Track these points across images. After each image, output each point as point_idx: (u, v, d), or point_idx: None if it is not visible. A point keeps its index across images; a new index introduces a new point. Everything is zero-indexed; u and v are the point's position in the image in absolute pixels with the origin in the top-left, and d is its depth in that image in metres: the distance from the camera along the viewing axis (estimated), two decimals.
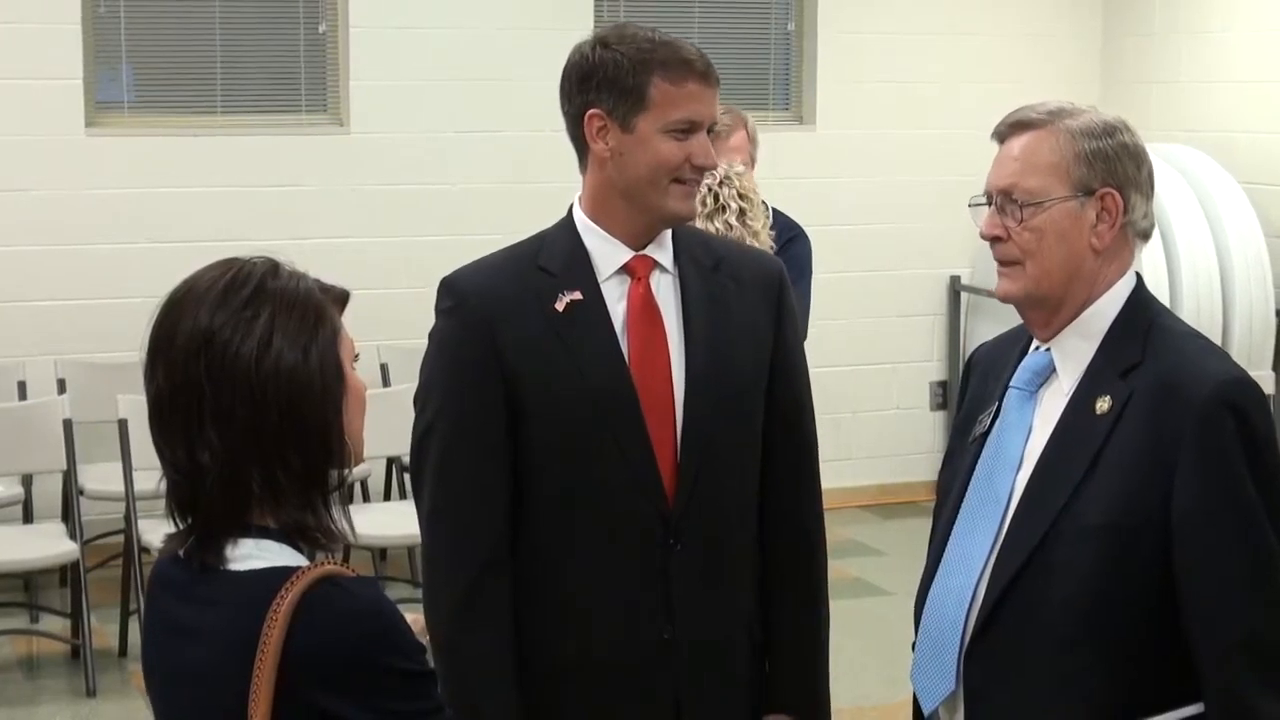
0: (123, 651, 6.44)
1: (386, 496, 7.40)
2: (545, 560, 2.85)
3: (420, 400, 2.88)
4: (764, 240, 4.66)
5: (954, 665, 2.53)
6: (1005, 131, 2.57)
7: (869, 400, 8.74)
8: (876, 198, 8.62)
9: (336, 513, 2.08)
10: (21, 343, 7.27)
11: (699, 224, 4.38)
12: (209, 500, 2.01)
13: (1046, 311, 2.55)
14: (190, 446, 2.00)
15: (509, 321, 2.81)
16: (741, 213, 4.62)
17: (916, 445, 8.82)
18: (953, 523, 2.61)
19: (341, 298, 2.11)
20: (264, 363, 1.98)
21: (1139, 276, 2.58)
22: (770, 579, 2.98)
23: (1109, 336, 2.51)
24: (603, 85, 2.78)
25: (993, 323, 8.36)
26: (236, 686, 1.94)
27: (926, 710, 2.60)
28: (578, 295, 2.82)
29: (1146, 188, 2.54)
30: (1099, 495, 2.42)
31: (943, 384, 8.89)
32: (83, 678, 6.13)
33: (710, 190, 4.61)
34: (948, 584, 2.57)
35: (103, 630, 6.54)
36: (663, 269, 2.88)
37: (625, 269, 2.86)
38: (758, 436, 2.93)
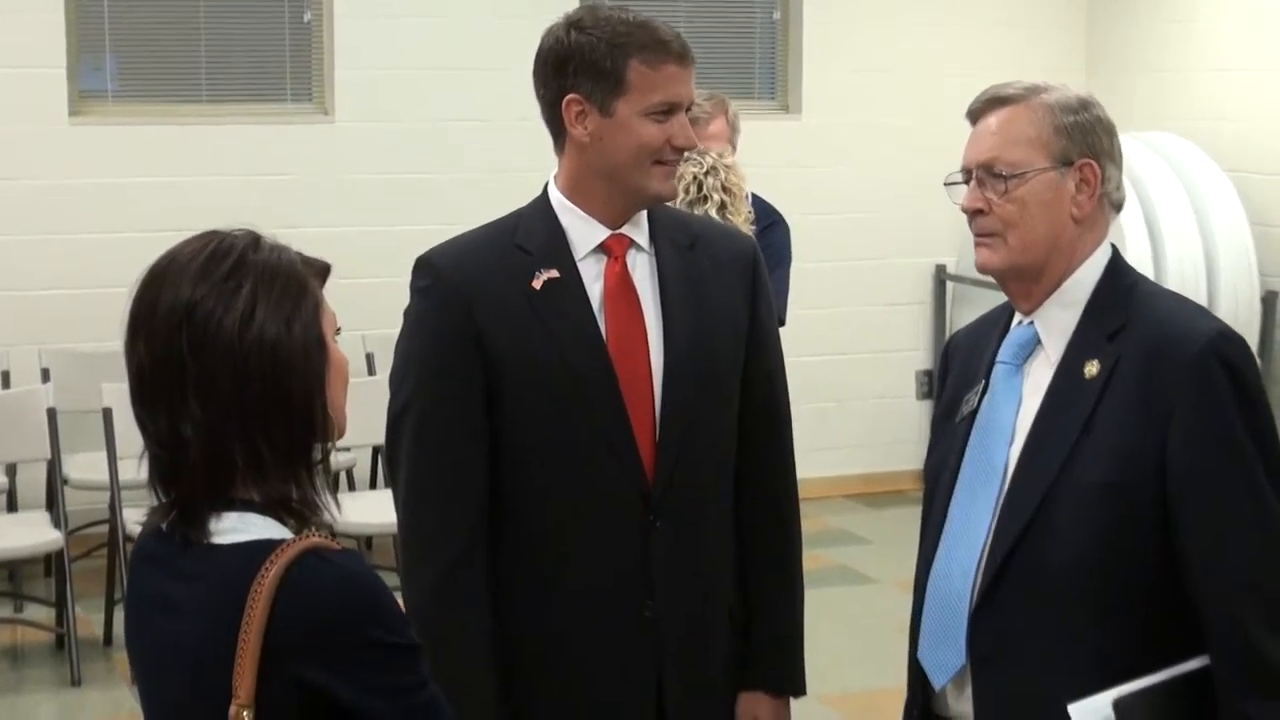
0: (107, 640, 6.44)
1: (372, 485, 7.39)
2: (525, 538, 2.84)
3: (396, 379, 2.87)
4: None
5: (964, 638, 2.54)
6: (980, 109, 2.61)
7: (854, 389, 8.75)
8: (862, 186, 8.62)
9: (320, 486, 2.07)
10: (5, 332, 7.26)
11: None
12: (192, 473, 2.00)
13: (1027, 283, 2.58)
14: (172, 420, 1.99)
15: (485, 299, 2.80)
16: (723, 205, 4.62)
17: (902, 434, 8.82)
18: (949, 500, 2.63)
19: (323, 270, 2.10)
20: (247, 335, 1.98)
21: (1114, 246, 2.63)
22: (746, 556, 2.98)
23: (1091, 303, 2.56)
24: (579, 70, 2.77)
25: (978, 311, 8.34)
26: (221, 660, 1.94)
27: (938, 685, 2.60)
28: (555, 273, 2.82)
29: (1118, 159, 2.60)
30: (1095, 457, 2.45)
31: (928, 373, 8.88)
32: (67, 667, 6.12)
33: (695, 179, 4.60)
34: (951, 558, 2.58)
35: (87, 619, 6.53)
36: (639, 248, 2.87)
37: (602, 248, 2.85)
38: (735, 414, 2.93)
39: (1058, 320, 2.57)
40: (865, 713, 5.72)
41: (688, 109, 2.83)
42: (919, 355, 8.91)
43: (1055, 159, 2.53)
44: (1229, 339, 2.47)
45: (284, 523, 2.03)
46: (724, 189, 4.64)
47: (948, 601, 2.57)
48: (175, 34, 7.64)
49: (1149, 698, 2.38)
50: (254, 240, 2.06)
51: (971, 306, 8.39)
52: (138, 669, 2.12)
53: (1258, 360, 7.56)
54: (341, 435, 2.10)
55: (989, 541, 2.53)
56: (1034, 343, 2.60)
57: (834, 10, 8.54)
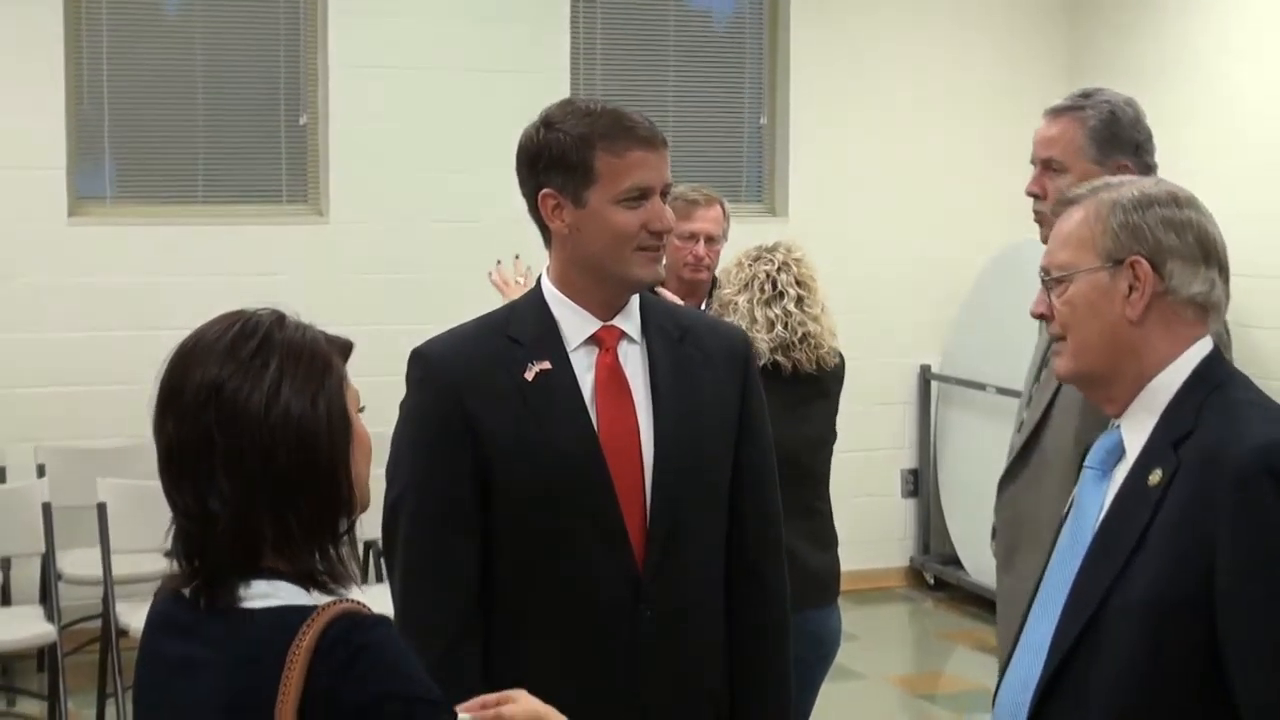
0: None
1: (364, 579, 7.41)
2: (517, 624, 2.87)
3: (390, 471, 2.90)
4: (826, 325, 4.62)
5: None
6: (1058, 210, 2.54)
7: (840, 487, 8.68)
8: (847, 287, 8.67)
9: (345, 557, 2.11)
10: (2, 428, 7.30)
11: (757, 311, 4.41)
12: (219, 545, 2.04)
13: (1100, 388, 2.48)
14: (200, 494, 2.04)
15: (478, 390, 2.84)
16: (800, 300, 4.58)
17: (888, 532, 8.85)
18: (1030, 606, 2.54)
19: (345, 348, 2.18)
20: (273, 411, 2.03)
21: (1216, 347, 2.46)
22: (735, 647, 2.98)
23: (1168, 408, 2.41)
24: (550, 165, 2.84)
25: (964, 412, 8.43)
26: None
27: None
28: (546, 365, 2.85)
29: (1195, 256, 2.42)
30: (1144, 571, 2.30)
31: (914, 472, 8.94)
32: None
33: (769, 276, 4.55)
34: (1017, 669, 2.50)
35: (79, 715, 6.53)
36: (630, 339, 2.92)
37: (593, 339, 2.89)
38: (725, 505, 2.96)
39: (1139, 425, 2.42)
40: None
41: (663, 193, 2.86)
42: (904, 454, 8.96)
43: (1102, 257, 2.42)
44: None
45: (309, 592, 2.07)
46: (798, 283, 4.60)
47: (1009, 713, 2.47)
48: (173, 137, 7.76)
49: None
50: (279, 319, 2.12)
51: (957, 406, 8.47)
52: None
53: None
54: (365, 509, 2.15)
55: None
56: (1120, 449, 2.46)
57: (819, 116, 8.67)
